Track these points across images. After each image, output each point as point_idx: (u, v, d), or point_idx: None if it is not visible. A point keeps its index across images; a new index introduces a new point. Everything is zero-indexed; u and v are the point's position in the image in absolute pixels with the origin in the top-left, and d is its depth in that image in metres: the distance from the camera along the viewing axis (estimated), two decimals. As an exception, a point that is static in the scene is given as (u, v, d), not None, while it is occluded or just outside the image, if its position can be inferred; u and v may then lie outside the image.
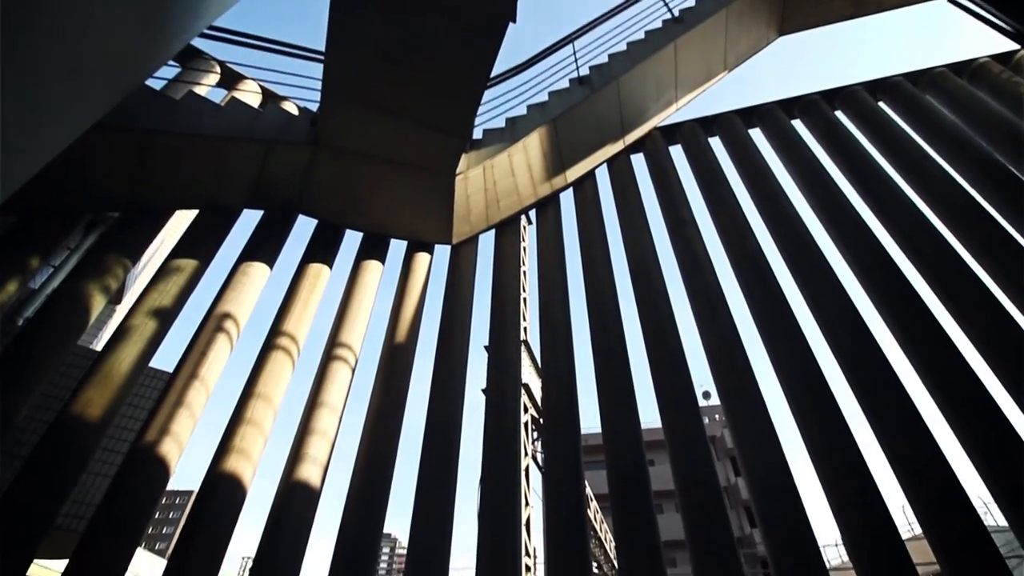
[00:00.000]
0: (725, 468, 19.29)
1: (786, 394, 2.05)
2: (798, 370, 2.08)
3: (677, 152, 3.90)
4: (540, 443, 4.48)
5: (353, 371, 2.22)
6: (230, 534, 1.71)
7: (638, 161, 4.19)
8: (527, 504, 3.91)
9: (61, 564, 1.56)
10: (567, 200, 3.80)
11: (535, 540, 3.97)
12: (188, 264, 2.29)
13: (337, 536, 1.78)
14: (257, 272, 2.39)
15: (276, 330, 2.21)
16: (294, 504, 1.76)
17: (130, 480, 1.71)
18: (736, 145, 3.48)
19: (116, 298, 4.61)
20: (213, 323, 2.12)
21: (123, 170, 2.27)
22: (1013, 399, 1.88)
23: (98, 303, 2.09)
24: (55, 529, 1.97)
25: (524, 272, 4.87)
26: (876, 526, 1.60)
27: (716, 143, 3.83)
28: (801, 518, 1.67)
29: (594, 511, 7.85)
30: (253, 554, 1.80)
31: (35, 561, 1.84)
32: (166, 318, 2.10)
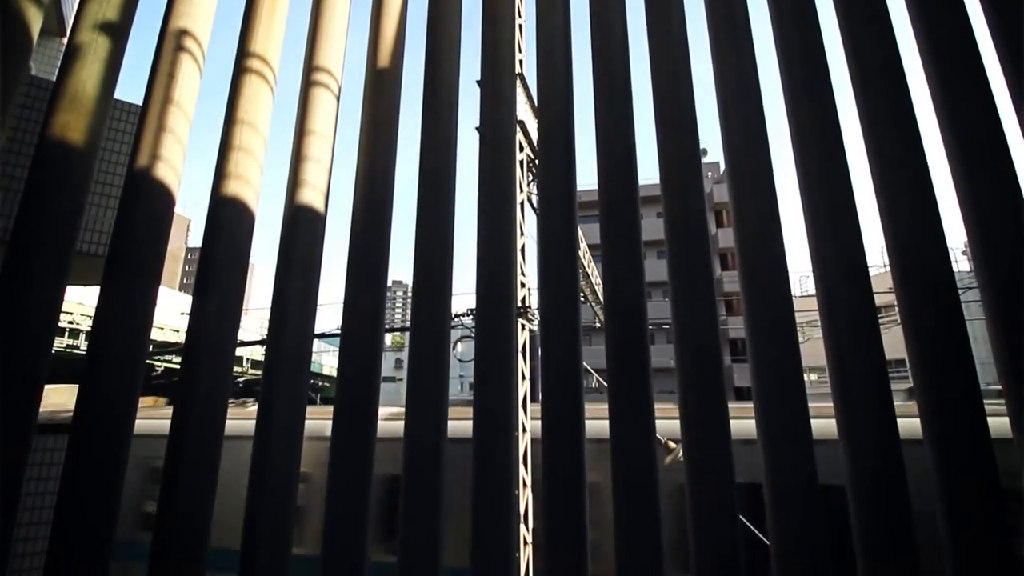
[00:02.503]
0: (710, 220, 20.53)
1: (791, 123, 1.95)
2: (809, 103, 1.94)
3: None
4: (535, 185, 4.60)
5: (338, 99, 2.09)
6: (247, 254, 1.84)
7: None
8: (522, 234, 4.20)
9: (94, 291, 1.72)
10: None
11: (530, 272, 4.45)
12: (121, -33, 1.93)
13: (345, 284, 1.89)
14: (205, -20, 2.02)
15: (244, 51, 1.99)
16: (302, 226, 1.85)
17: (135, 206, 1.76)
18: None
19: (59, 30, 4.09)
20: (171, 42, 1.90)
21: None
22: None
23: (34, 17, 1.83)
24: (79, 255, 2.11)
25: (520, -6, 4.21)
26: (847, 256, 1.65)
27: None
28: (780, 264, 1.70)
29: (583, 251, 8.54)
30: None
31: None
32: (117, 34, 1.86)
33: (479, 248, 1.92)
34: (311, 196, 1.88)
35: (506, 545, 1.59)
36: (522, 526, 4.97)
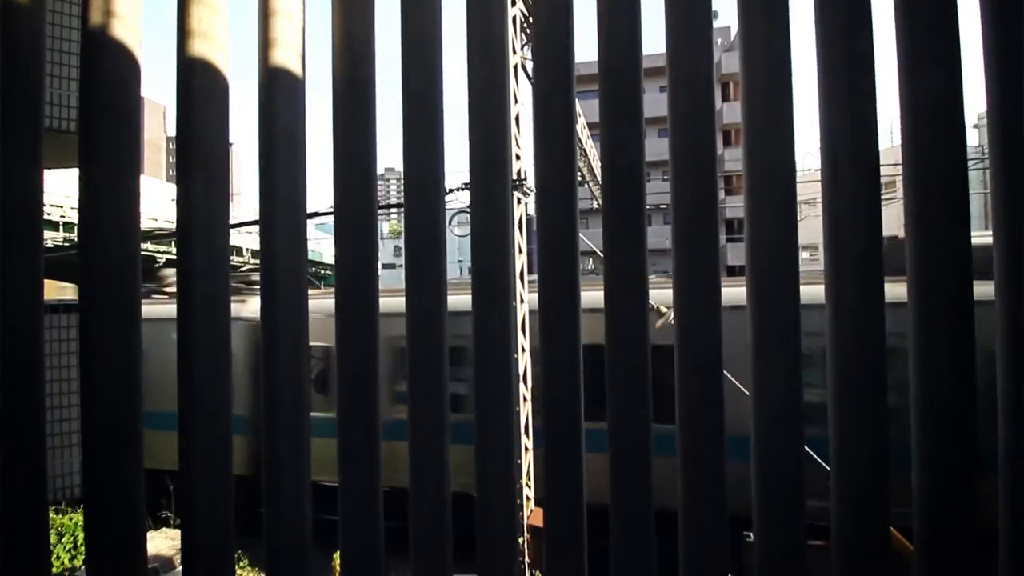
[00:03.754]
0: (715, 92, 19.44)
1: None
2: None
3: None
4: (529, 49, 4.25)
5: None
6: (225, 119, 1.74)
7: None
8: (516, 101, 4.00)
9: (73, 173, 1.64)
10: None
11: (525, 144, 4.28)
12: None
13: (333, 167, 1.79)
14: None
15: None
16: (281, 92, 1.73)
17: (97, 72, 1.62)
18: None
19: None
20: None
21: None
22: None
23: None
24: (49, 132, 2.00)
25: None
26: (858, 128, 1.56)
27: None
28: (788, 140, 1.61)
29: (581, 126, 8.19)
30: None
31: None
32: None
33: (470, 117, 1.81)
34: (286, 57, 1.73)
35: (506, 401, 1.71)
36: (521, 384, 5.39)
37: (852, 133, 1.56)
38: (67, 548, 6.46)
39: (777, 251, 1.56)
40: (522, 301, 4.13)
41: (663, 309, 4.68)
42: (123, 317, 1.58)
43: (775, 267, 1.56)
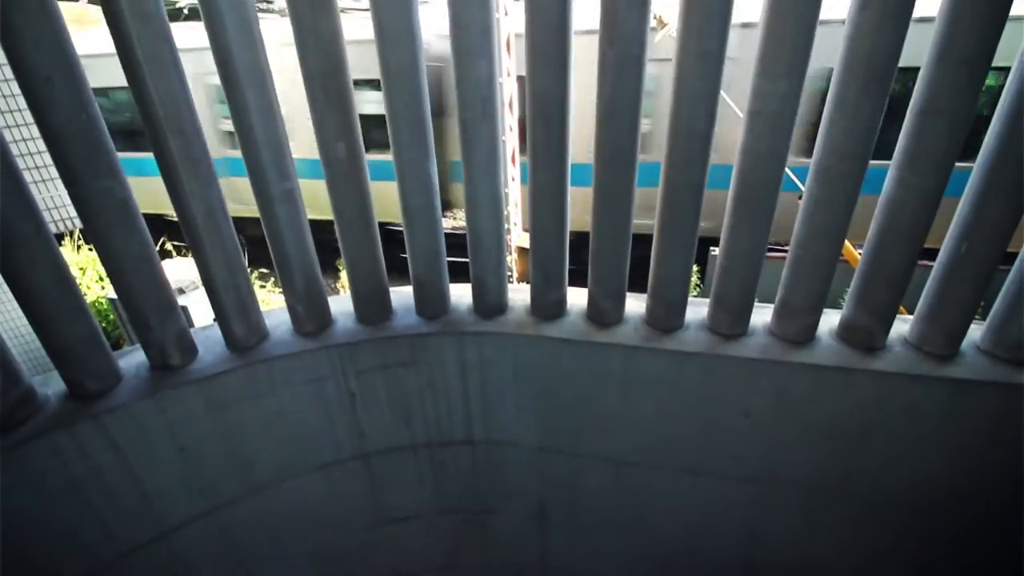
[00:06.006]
0: None
1: None
2: None
3: None
4: None
5: None
6: None
7: None
8: None
9: None
10: None
11: None
12: None
13: None
14: None
15: None
16: None
17: None
18: None
19: None
20: None
21: None
22: None
23: None
24: None
25: None
26: None
27: None
28: None
29: None
30: None
31: None
32: None
33: None
34: None
35: (492, 142, 1.65)
36: (507, 111, 5.18)
37: None
38: (95, 280, 7.04)
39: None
40: (506, 13, 3.53)
41: (664, 20, 4.15)
42: (51, 44, 1.33)
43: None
